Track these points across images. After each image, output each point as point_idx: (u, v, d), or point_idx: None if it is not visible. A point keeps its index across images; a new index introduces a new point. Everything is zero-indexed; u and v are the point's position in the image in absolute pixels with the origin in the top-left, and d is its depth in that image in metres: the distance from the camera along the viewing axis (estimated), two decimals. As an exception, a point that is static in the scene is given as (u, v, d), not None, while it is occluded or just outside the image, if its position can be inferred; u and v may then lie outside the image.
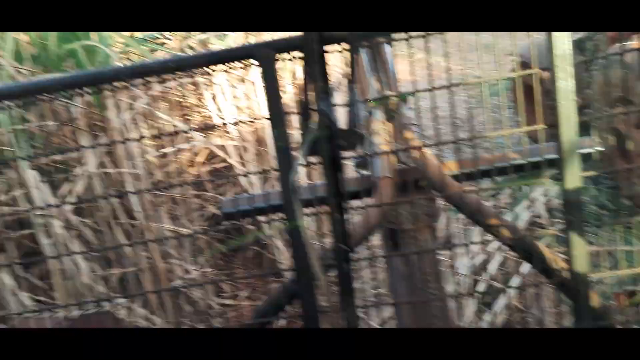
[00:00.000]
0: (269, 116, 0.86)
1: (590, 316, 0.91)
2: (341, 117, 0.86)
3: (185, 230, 1.90)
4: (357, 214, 1.09)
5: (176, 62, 0.88)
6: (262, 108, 2.22)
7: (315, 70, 0.75)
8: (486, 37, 0.85)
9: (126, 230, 1.85)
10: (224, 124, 1.99)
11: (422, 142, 1.20)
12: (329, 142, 0.80)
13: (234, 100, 2.05)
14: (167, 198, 2.03)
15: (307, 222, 0.86)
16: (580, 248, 0.89)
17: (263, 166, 1.97)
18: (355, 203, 1.09)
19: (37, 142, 1.91)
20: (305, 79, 0.79)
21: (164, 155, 2.07)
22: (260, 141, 2.14)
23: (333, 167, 0.81)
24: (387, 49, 1.45)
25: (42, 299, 1.75)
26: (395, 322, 1.13)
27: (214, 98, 1.85)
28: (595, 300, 0.96)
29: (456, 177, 1.11)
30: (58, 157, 1.88)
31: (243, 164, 2.04)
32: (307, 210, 1.15)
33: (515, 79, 0.87)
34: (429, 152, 1.11)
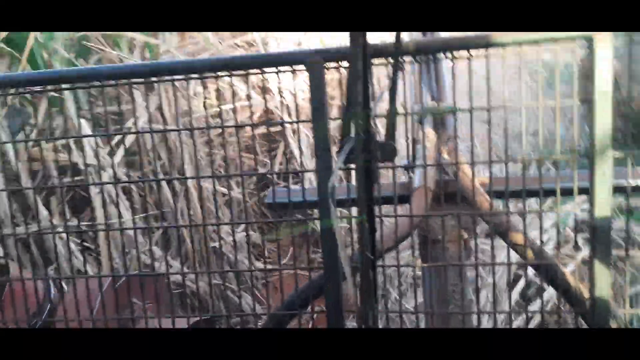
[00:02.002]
0: (311, 119, 0.91)
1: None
2: (381, 129, 0.90)
3: (233, 192, 1.96)
4: (389, 221, 1.11)
5: (230, 61, 0.94)
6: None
7: (358, 82, 0.79)
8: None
9: (173, 186, 1.94)
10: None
11: (461, 155, 1.22)
12: (365, 152, 0.83)
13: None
14: (217, 157, 2.10)
15: (340, 223, 0.90)
16: (604, 278, 0.89)
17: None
18: (389, 210, 1.12)
19: (93, 94, 2.02)
20: (348, 89, 0.83)
21: (219, 114, 2.14)
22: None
23: (366, 177, 0.84)
24: (444, 64, 1.47)
25: (88, 245, 1.86)
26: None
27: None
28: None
29: (492, 194, 1.13)
30: (111, 109, 1.98)
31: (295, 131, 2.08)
32: (342, 210, 1.19)
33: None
34: (465, 165, 1.13)
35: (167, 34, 2.44)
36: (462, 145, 1.38)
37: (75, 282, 1.09)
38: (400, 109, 0.91)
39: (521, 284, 1.97)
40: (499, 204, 1.17)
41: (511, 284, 1.91)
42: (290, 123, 0.81)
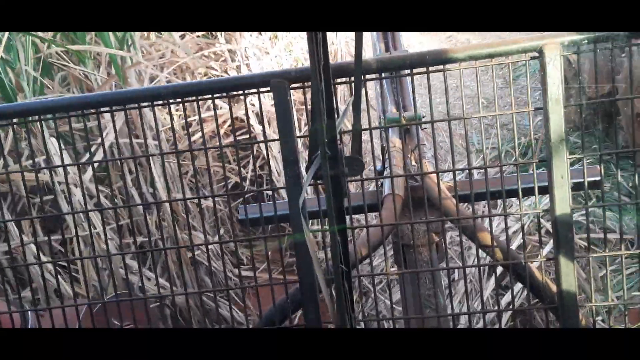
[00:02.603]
0: (279, 137, 0.93)
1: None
2: (347, 144, 0.92)
3: (206, 201, 1.93)
4: (362, 231, 1.15)
5: (196, 86, 0.95)
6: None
7: (320, 102, 0.81)
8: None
9: (146, 200, 1.92)
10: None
11: (427, 162, 1.25)
12: (332, 169, 0.86)
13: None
14: (189, 168, 2.09)
15: (313, 236, 0.92)
16: (569, 272, 0.93)
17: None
18: (361, 219, 1.15)
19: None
20: (312, 108, 0.86)
21: (189, 124, 2.11)
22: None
23: (334, 194, 0.87)
24: (407, 79, 1.50)
25: (63, 263, 1.84)
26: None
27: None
28: (584, 323, 1.00)
29: (461, 198, 1.17)
30: (79, 125, 1.96)
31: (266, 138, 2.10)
32: (315, 223, 1.20)
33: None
34: (431, 172, 1.16)
35: (132, 47, 2.43)
36: (429, 153, 1.42)
37: (52, 311, 1.08)
38: (365, 123, 0.94)
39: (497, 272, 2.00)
40: (467, 207, 1.21)
41: (488, 274, 1.94)
42: (259, 142, 0.83)
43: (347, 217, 1.00)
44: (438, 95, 2.80)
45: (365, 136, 1.08)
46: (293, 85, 0.93)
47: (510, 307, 1.05)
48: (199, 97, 0.95)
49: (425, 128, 1.42)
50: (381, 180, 1.41)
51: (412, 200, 1.16)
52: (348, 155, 0.91)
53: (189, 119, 2.17)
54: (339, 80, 0.92)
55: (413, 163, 1.32)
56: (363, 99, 0.94)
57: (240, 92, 0.94)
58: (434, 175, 1.16)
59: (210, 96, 0.94)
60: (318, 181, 0.95)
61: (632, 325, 1.06)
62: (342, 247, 0.90)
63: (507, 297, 1.63)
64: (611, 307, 0.99)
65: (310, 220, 1.28)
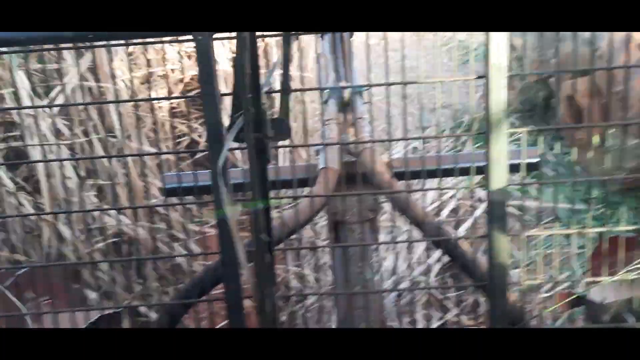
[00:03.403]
0: (200, 94, 0.84)
1: (506, 318, 0.92)
2: (273, 105, 0.85)
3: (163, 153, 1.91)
4: (292, 205, 1.08)
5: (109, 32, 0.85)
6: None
7: (245, 55, 0.73)
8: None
9: (105, 146, 1.89)
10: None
11: (366, 137, 1.20)
12: (256, 131, 0.78)
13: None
14: (147, 121, 2.05)
15: (235, 208, 0.85)
16: (501, 250, 0.90)
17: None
18: (293, 193, 1.08)
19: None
20: (236, 63, 0.77)
21: (148, 77, 2.06)
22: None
23: (258, 157, 0.79)
24: (349, 38, 1.43)
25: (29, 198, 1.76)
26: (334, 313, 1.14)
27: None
28: (512, 301, 0.98)
29: (398, 175, 1.12)
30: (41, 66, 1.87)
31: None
32: (238, 195, 1.12)
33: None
34: (369, 146, 1.11)
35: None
36: (369, 128, 1.36)
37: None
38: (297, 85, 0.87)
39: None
40: (402, 183, 1.17)
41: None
42: (175, 98, 0.76)
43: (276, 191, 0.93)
44: (381, 72, 2.74)
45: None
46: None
47: (438, 284, 1.01)
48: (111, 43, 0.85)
49: (366, 102, 1.36)
50: (317, 154, 1.35)
51: (347, 176, 1.11)
52: (274, 116, 0.83)
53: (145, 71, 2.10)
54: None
55: (352, 138, 1.26)
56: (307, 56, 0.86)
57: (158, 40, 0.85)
58: (372, 152, 1.11)
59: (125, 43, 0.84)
60: (240, 145, 0.87)
61: (559, 306, 1.05)
62: (265, 217, 0.83)
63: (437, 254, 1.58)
64: (540, 285, 0.97)
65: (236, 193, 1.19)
